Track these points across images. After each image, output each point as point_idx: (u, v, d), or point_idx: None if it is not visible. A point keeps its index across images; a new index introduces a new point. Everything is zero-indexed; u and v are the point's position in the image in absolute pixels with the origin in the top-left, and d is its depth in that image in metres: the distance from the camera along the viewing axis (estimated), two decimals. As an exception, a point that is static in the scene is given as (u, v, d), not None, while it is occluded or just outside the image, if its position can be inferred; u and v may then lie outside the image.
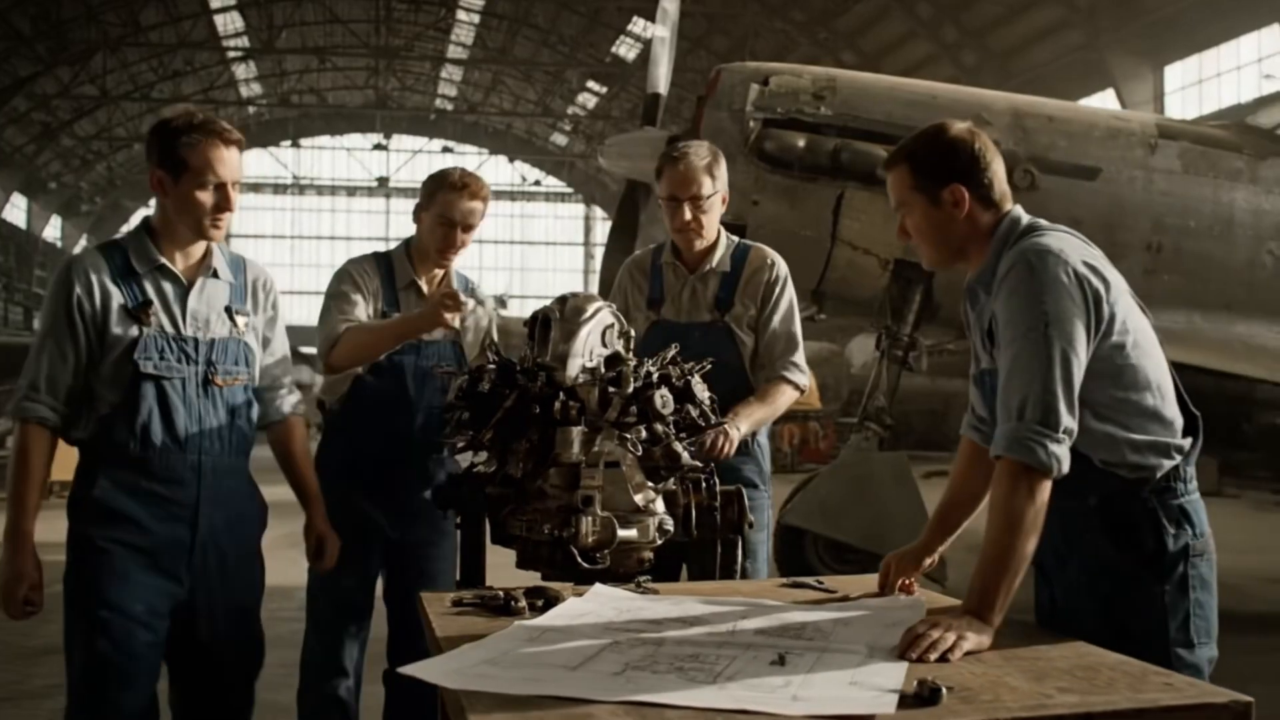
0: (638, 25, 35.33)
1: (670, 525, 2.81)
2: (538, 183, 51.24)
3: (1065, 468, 2.19)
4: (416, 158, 48.07)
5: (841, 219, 7.51)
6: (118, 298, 2.88)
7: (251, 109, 45.01)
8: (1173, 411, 2.39)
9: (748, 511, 2.99)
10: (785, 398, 3.57)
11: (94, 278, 2.88)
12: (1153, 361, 2.37)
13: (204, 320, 2.97)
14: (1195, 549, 2.32)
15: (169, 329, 2.91)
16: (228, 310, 3.02)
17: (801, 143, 7.52)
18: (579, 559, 2.67)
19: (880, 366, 7.78)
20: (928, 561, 2.64)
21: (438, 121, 47.76)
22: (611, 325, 2.91)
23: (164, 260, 2.93)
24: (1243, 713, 1.72)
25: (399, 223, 52.29)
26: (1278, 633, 7.66)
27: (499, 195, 50.15)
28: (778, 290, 3.64)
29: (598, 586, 2.58)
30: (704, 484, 2.93)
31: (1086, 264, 2.30)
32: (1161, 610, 2.29)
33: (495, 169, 49.02)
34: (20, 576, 2.83)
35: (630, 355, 2.90)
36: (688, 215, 3.56)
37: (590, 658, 1.95)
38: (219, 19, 37.34)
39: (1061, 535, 2.37)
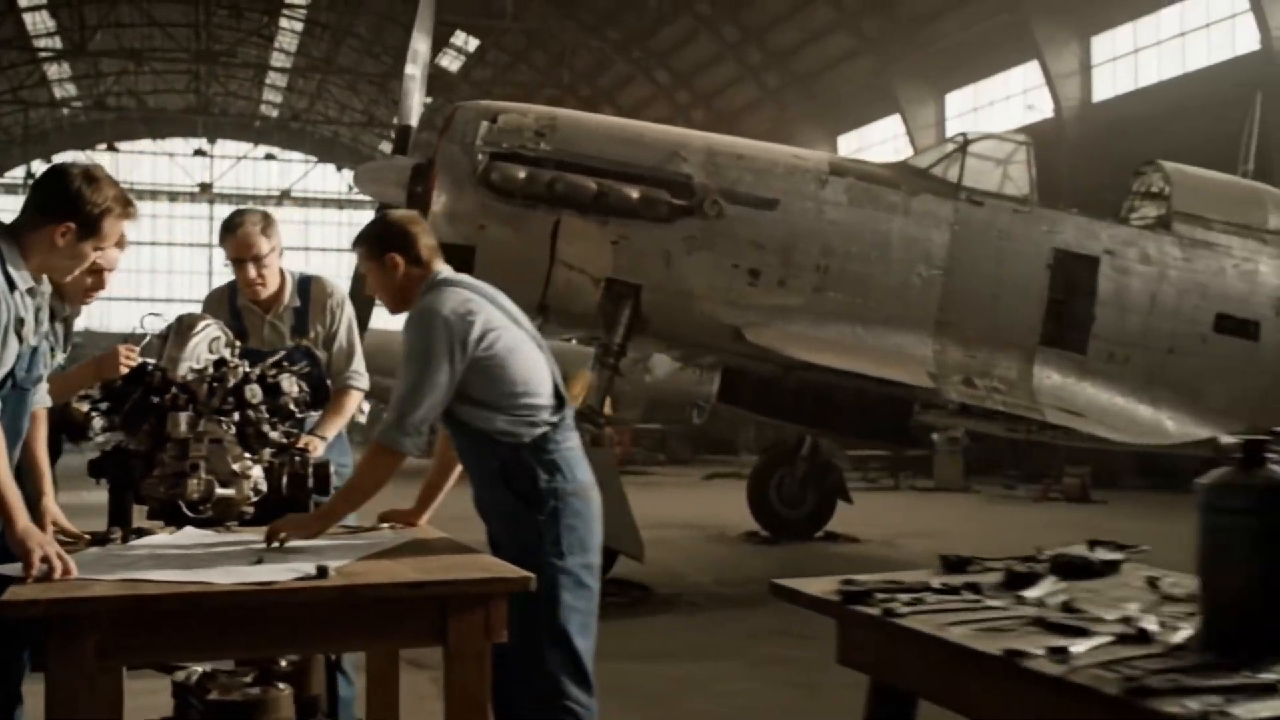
0: (459, 38, 36.12)
1: (264, 487, 3.74)
2: (366, 190, 51.26)
3: (412, 450, 3.36)
4: (241, 164, 47.80)
5: (559, 243, 8.58)
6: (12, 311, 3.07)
7: (65, 110, 44.04)
8: (543, 396, 3.52)
9: (332, 478, 3.95)
10: (353, 402, 4.60)
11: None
12: (523, 362, 3.50)
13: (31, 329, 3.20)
14: (566, 490, 3.46)
15: (32, 342, 3.19)
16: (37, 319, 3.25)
17: (523, 175, 8.52)
18: (186, 511, 3.60)
19: (596, 373, 8.87)
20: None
21: (263, 127, 47.52)
22: (219, 338, 3.84)
23: (36, 285, 3.18)
24: (523, 584, 2.73)
25: (224, 228, 51.51)
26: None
27: (327, 204, 50.20)
28: (339, 311, 4.60)
29: (187, 528, 3.50)
30: (298, 458, 3.88)
31: (455, 311, 3.41)
32: (538, 532, 3.41)
33: (323, 177, 49.04)
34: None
35: (235, 359, 3.83)
36: (252, 273, 4.39)
37: (130, 562, 2.87)
38: (28, 17, 36.41)
39: (488, 491, 3.53)
